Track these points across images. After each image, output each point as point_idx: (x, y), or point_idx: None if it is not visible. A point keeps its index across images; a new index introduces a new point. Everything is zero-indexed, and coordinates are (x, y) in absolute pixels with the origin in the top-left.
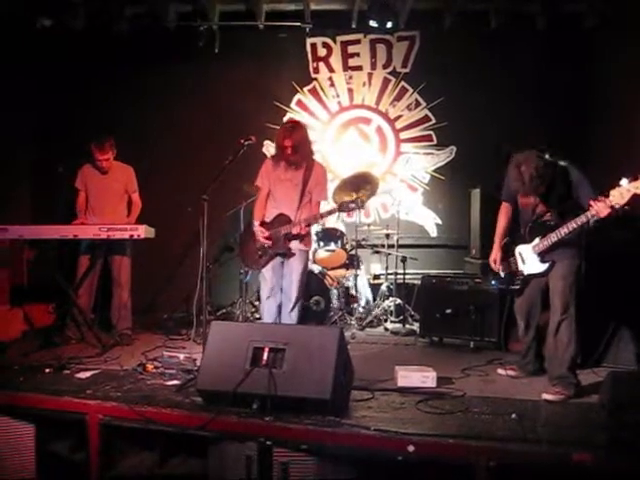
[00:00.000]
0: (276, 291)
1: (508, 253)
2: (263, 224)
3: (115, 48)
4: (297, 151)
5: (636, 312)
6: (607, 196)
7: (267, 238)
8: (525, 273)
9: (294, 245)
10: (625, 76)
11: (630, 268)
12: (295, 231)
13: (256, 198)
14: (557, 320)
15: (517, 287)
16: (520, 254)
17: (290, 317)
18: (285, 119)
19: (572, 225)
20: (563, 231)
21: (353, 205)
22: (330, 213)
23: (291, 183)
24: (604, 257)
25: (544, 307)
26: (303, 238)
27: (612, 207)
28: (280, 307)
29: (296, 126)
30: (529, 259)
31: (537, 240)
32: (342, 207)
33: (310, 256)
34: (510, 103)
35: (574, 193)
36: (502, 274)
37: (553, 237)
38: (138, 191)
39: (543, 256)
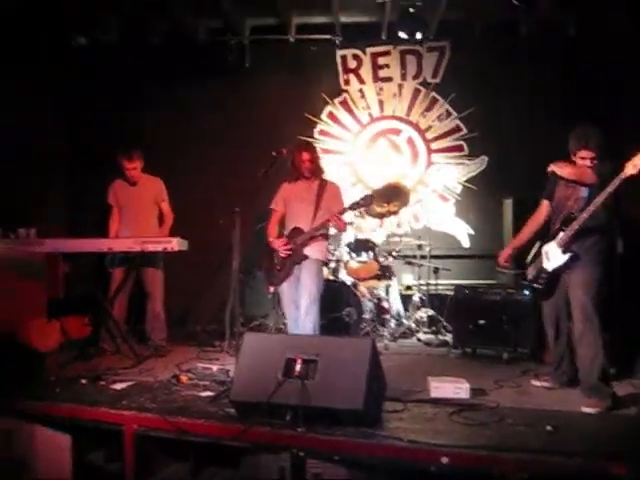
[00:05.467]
0: (295, 300)
1: (538, 257)
2: (279, 237)
3: (147, 63)
4: (314, 163)
5: None
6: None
7: (286, 245)
8: (549, 270)
9: (308, 252)
10: None
11: None
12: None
13: (269, 220)
14: (579, 332)
15: (540, 286)
16: (546, 252)
17: (304, 325)
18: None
19: (590, 209)
20: (582, 217)
21: (362, 202)
22: (342, 212)
23: (306, 199)
24: None
25: (570, 316)
26: (319, 242)
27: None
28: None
29: (310, 143)
30: (553, 254)
31: (561, 234)
32: (352, 206)
33: (342, 267)
34: (541, 112)
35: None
36: (530, 276)
37: (575, 225)
38: (168, 202)
39: (566, 247)
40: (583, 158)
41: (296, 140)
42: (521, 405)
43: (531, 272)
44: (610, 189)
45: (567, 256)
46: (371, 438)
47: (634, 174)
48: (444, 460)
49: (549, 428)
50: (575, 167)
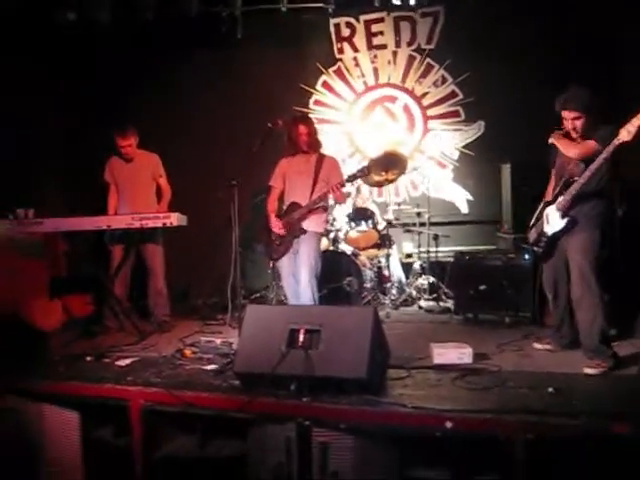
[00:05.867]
0: (294, 274)
1: (540, 220)
2: (277, 216)
3: (140, 37)
4: (311, 136)
5: None
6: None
7: (282, 227)
8: (549, 233)
9: (306, 225)
10: None
11: None
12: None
13: (268, 195)
14: (578, 295)
15: (540, 249)
16: (547, 216)
17: (304, 298)
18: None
19: (586, 174)
20: (580, 182)
21: (359, 173)
22: (342, 185)
23: (304, 173)
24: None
25: (569, 279)
26: (318, 215)
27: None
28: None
29: (307, 116)
30: (552, 218)
31: (561, 198)
32: (350, 178)
33: (341, 237)
34: (537, 75)
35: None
36: (531, 239)
37: (572, 190)
38: (165, 177)
39: (565, 212)
40: (566, 119)
41: (292, 111)
42: (523, 368)
43: (532, 235)
44: (604, 155)
45: (565, 220)
46: (376, 405)
47: (627, 140)
48: (449, 425)
49: (551, 390)
50: (578, 145)
